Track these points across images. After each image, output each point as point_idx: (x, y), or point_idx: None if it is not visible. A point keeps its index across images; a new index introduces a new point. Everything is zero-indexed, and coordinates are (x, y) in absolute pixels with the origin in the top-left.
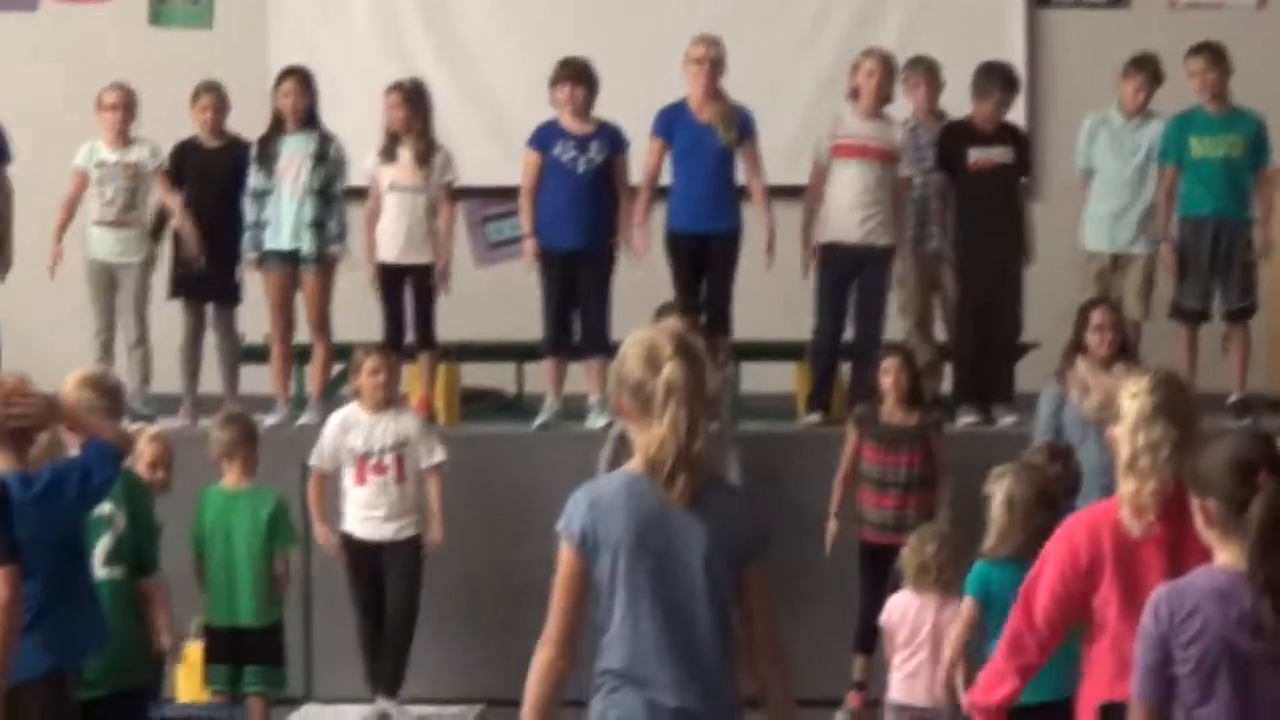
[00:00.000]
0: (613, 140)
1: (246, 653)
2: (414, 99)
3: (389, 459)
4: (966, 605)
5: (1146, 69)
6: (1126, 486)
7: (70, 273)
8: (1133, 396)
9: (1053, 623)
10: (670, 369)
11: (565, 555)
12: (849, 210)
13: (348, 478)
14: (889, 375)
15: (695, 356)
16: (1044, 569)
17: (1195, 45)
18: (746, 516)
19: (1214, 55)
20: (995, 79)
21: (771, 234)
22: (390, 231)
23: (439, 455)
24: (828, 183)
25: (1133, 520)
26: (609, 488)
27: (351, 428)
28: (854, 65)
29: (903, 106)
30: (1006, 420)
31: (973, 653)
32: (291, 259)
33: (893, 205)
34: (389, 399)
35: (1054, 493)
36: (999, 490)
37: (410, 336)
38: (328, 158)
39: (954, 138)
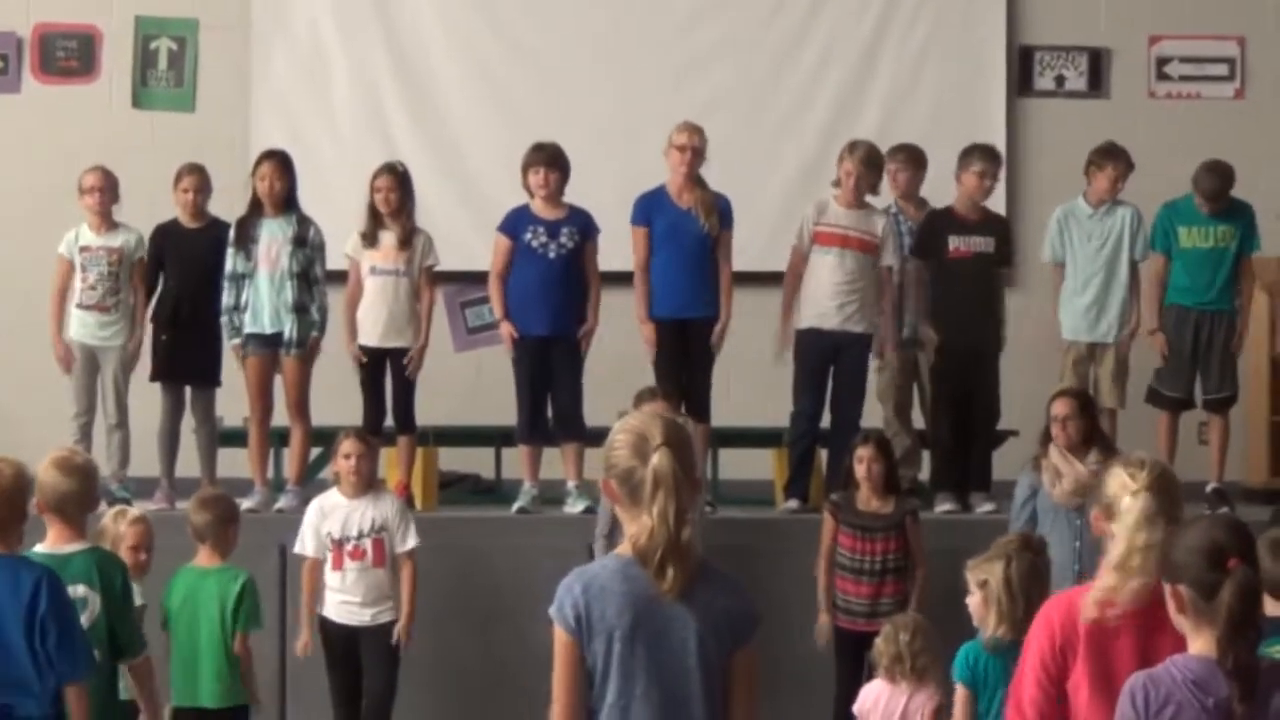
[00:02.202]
0: (584, 226)
1: None
2: (404, 182)
3: (367, 543)
4: (960, 694)
5: (1121, 158)
6: (1108, 580)
7: (47, 355)
8: (1133, 494)
9: (1043, 714)
10: (659, 458)
11: (560, 640)
12: (827, 297)
13: (325, 563)
14: (863, 464)
15: (683, 444)
16: (1026, 660)
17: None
18: (737, 602)
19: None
20: (974, 152)
21: (724, 326)
22: (371, 315)
23: (412, 541)
24: (808, 269)
25: (1095, 610)
26: (603, 572)
27: (330, 513)
28: (839, 156)
29: (885, 192)
30: (984, 508)
31: None
32: (272, 343)
33: (875, 293)
34: (366, 483)
35: (1047, 573)
36: (993, 573)
37: (390, 420)
38: (307, 241)
39: (935, 225)
